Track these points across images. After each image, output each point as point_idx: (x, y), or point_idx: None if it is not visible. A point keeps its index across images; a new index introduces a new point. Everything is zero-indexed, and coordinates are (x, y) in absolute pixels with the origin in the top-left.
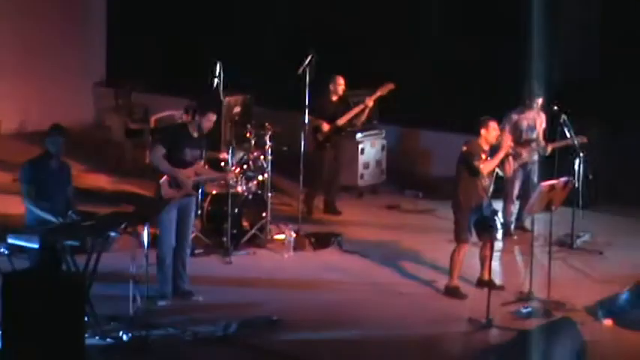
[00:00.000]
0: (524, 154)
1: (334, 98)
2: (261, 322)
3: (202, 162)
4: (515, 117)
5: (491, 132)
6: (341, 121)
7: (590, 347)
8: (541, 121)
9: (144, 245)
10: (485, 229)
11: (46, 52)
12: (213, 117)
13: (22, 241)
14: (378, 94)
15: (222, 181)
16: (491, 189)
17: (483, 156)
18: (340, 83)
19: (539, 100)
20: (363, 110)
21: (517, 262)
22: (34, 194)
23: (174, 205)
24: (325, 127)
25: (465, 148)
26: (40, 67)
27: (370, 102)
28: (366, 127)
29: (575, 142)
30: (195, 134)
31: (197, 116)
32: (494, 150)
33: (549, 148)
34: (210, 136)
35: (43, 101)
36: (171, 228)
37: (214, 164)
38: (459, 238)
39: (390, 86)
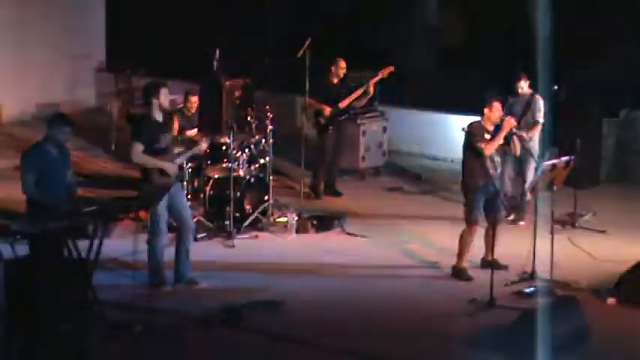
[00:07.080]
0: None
1: (335, 81)
2: (265, 305)
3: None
4: (511, 99)
5: (494, 112)
6: (343, 104)
7: (593, 326)
8: (537, 105)
9: (146, 231)
10: (490, 209)
11: (47, 38)
12: (165, 90)
13: (24, 227)
14: (379, 77)
15: (200, 150)
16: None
17: (487, 136)
18: (342, 66)
19: (520, 83)
20: (364, 93)
21: (520, 241)
22: (34, 183)
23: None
24: (327, 110)
25: (466, 130)
26: (41, 53)
27: (372, 85)
28: (367, 109)
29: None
30: (160, 118)
31: (153, 100)
32: (498, 130)
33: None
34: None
35: (45, 87)
36: (163, 216)
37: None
38: (469, 219)
39: (390, 69)
